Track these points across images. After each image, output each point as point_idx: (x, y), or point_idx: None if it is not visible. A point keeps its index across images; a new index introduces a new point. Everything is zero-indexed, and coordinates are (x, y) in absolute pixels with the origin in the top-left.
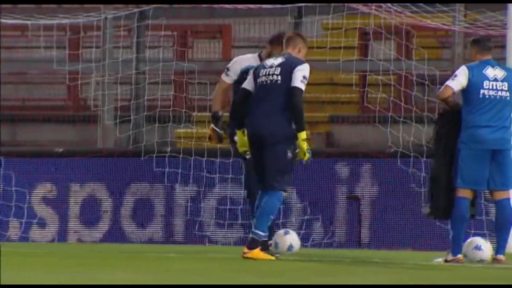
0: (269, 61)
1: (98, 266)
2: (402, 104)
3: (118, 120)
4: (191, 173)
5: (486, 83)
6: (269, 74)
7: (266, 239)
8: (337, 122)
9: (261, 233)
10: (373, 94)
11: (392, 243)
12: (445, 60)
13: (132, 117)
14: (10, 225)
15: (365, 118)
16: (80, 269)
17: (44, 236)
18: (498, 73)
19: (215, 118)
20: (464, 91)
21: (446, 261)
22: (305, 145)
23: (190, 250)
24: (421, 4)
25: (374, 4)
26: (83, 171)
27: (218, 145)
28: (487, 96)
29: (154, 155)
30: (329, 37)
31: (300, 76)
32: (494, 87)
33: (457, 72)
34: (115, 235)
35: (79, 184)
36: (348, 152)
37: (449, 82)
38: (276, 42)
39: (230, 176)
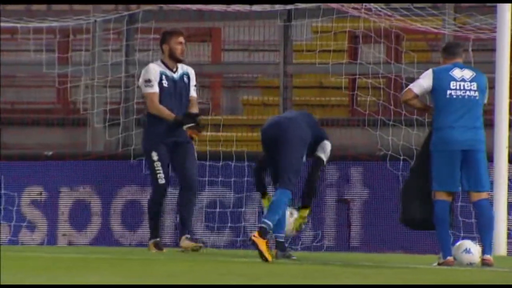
0: None
1: (86, 269)
2: (392, 107)
3: (107, 123)
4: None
5: (453, 84)
6: None
7: (282, 240)
8: (327, 125)
9: (268, 222)
10: (362, 97)
11: (382, 246)
12: (435, 63)
13: (121, 120)
14: None
15: (355, 121)
16: (69, 271)
17: (33, 240)
18: (466, 73)
19: (179, 121)
20: (432, 94)
21: (439, 264)
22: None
23: (179, 253)
24: (411, 7)
25: (363, 7)
26: (72, 174)
27: (208, 149)
28: (454, 97)
29: (144, 158)
30: (318, 40)
31: None
32: (462, 87)
33: (421, 75)
34: (105, 238)
35: (68, 187)
36: (338, 155)
37: (411, 85)
38: None
39: (219, 179)
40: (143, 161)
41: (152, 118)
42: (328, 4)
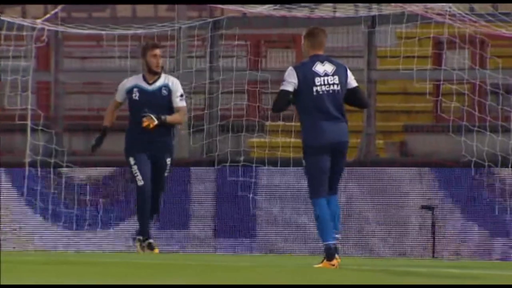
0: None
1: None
2: (476, 113)
3: (191, 130)
4: (265, 182)
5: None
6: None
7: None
8: (411, 131)
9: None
10: (447, 103)
11: (466, 253)
12: None
13: (205, 127)
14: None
15: (439, 128)
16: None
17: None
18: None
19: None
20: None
21: None
22: None
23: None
24: (496, 13)
25: (448, 13)
26: None
27: (291, 155)
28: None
29: (228, 164)
30: (402, 46)
31: None
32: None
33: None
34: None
35: None
36: (422, 162)
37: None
38: None
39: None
40: (227, 167)
41: (130, 125)
42: (413, 10)
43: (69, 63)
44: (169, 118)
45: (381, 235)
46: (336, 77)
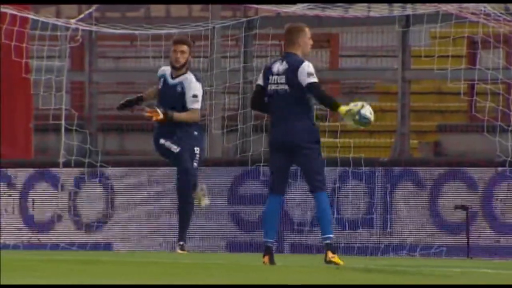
0: None
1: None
2: (511, 113)
3: (225, 130)
4: (297, 181)
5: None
6: None
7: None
8: (445, 131)
9: (331, 235)
10: (481, 103)
11: (501, 253)
12: None
13: (239, 127)
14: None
15: (474, 127)
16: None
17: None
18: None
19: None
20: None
21: None
22: None
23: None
24: None
25: (482, 12)
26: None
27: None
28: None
29: (261, 164)
30: (436, 46)
31: None
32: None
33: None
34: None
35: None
36: (456, 161)
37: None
38: None
39: (337, 185)
40: (261, 167)
41: None
42: (447, 9)
43: (103, 63)
44: (176, 115)
45: (415, 236)
46: (283, 77)
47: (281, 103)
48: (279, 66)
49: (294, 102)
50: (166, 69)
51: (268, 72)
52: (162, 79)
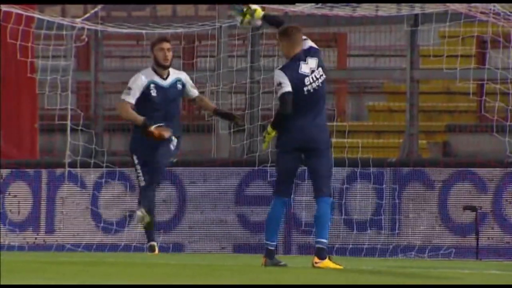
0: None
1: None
2: None
3: (232, 130)
4: (305, 182)
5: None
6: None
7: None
8: (454, 131)
9: (325, 240)
10: (491, 103)
11: (510, 254)
12: None
13: (246, 127)
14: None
15: (483, 127)
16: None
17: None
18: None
19: (145, 125)
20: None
21: None
22: None
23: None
24: None
25: (492, 11)
26: (199, 180)
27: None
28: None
29: (268, 165)
30: (445, 45)
31: None
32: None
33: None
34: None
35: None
36: (466, 162)
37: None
38: None
39: (344, 186)
40: (268, 168)
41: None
42: (456, 8)
43: (109, 63)
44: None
45: (424, 237)
46: (320, 69)
47: (314, 99)
48: (306, 66)
49: (323, 97)
50: (148, 74)
51: (296, 75)
52: (152, 85)
